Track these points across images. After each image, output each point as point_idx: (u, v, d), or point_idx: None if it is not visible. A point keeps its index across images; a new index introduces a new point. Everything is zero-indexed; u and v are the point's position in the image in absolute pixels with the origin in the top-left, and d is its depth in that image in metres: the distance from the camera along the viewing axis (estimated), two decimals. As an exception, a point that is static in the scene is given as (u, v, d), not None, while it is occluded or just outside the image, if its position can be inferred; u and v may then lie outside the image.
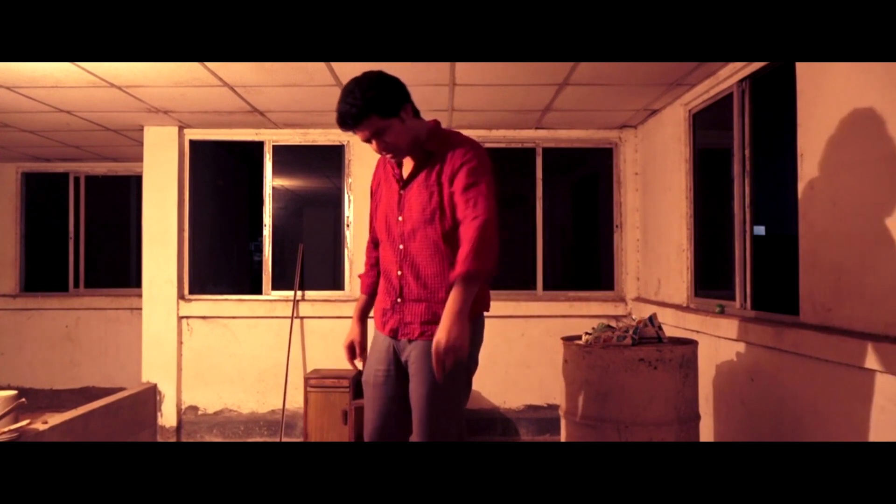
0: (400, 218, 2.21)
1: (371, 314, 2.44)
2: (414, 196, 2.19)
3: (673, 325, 3.89)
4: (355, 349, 2.41)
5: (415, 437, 2.24)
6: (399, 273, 2.22)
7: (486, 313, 2.43)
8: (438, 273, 2.19)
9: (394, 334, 2.26)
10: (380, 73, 2.10)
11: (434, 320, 2.14)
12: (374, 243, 2.45)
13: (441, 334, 1.93)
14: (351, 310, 2.58)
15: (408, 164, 2.24)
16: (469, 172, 2.09)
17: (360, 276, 2.51)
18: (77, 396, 6.10)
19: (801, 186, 2.73)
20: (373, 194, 2.39)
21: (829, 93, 2.54)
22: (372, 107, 2.02)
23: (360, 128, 2.06)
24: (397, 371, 2.27)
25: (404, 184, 2.22)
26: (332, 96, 4.06)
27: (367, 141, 2.11)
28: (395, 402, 2.27)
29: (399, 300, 2.23)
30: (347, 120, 2.04)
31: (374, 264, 2.46)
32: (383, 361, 2.28)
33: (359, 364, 2.43)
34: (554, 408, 4.85)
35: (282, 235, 5.40)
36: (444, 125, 5.14)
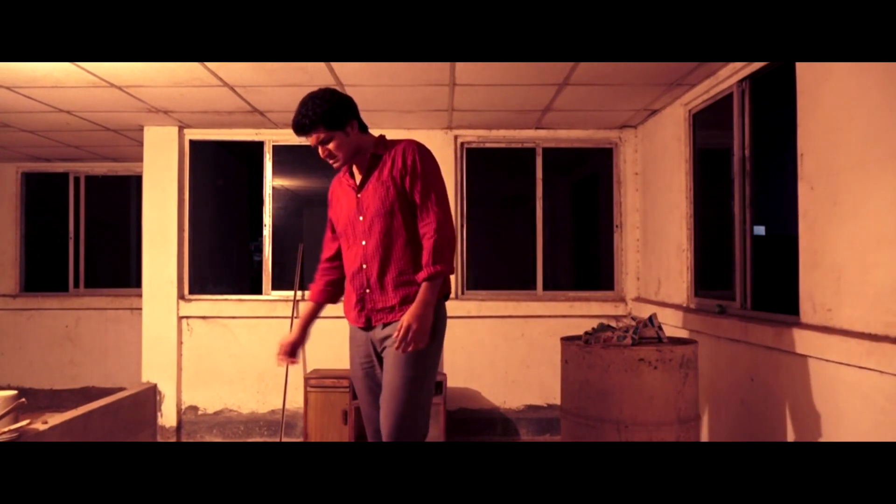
0: (360, 217, 2.41)
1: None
2: (370, 195, 2.40)
3: (673, 325, 3.89)
4: (290, 350, 2.55)
5: (384, 413, 2.33)
6: (363, 266, 2.40)
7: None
8: (401, 256, 2.38)
9: (368, 324, 2.42)
10: (333, 91, 2.39)
11: (404, 301, 2.35)
12: (328, 258, 2.61)
13: (410, 318, 2.24)
14: None
15: (359, 174, 2.46)
16: (420, 175, 2.37)
17: (310, 286, 2.71)
18: (77, 396, 6.10)
19: (801, 186, 2.73)
20: (330, 215, 2.57)
21: (829, 93, 2.54)
22: (320, 119, 2.30)
23: (309, 135, 2.34)
24: (378, 360, 2.44)
25: (360, 188, 2.42)
26: (332, 96, 4.08)
27: (315, 147, 2.37)
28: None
29: (367, 290, 2.40)
30: (299, 128, 2.33)
31: (325, 275, 2.62)
32: (364, 354, 2.46)
33: (282, 365, 2.62)
34: (554, 408, 4.85)
35: (282, 235, 5.39)
36: (444, 125, 5.17)
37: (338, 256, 2.58)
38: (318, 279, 2.63)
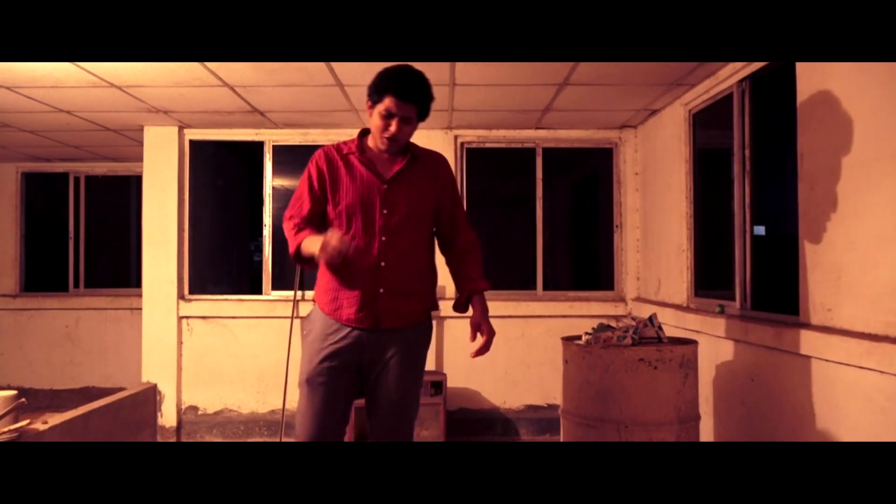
0: (385, 211, 2.26)
1: (323, 304, 2.32)
2: (403, 193, 2.29)
3: (673, 325, 3.89)
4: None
5: (390, 423, 2.30)
6: (383, 264, 2.24)
7: None
8: (429, 267, 2.40)
9: (375, 325, 2.25)
10: None
11: (428, 309, 2.39)
12: (308, 218, 2.31)
13: (491, 327, 2.48)
14: None
15: (385, 164, 2.31)
16: (456, 191, 2.45)
17: (301, 229, 2.28)
18: (77, 396, 6.10)
19: (801, 186, 2.73)
20: (315, 181, 2.30)
21: (829, 93, 2.54)
22: (426, 102, 2.24)
23: (406, 104, 2.17)
24: (355, 366, 2.28)
25: (389, 180, 2.29)
26: (332, 96, 4.08)
27: (392, 118, 2.18)
28: (347, 400, 2.32)
29: (381, 291, 2.24)
30: (409, 92, 2.17)
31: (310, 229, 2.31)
32: (343, 355, 2.26)
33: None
34: (554, 408, 4.85)
35: (282, 235, 5.37)
36: (444, 125, 5.16)
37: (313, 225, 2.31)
38: (307, 227, 2.29)
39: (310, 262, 2.22)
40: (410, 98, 2.17)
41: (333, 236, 2.04)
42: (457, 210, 2.43)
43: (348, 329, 2.26)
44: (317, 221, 2.31)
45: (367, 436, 2.48)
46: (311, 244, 2.13)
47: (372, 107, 2.22)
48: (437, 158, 2.42)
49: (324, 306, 2.30)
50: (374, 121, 2.23)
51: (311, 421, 2.24)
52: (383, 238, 2.25)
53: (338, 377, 2.26)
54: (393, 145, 2.25)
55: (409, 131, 2.24)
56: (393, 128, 2.19)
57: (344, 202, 2.27)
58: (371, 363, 2.28)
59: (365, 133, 2.38)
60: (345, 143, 2.37)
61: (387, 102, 2.16)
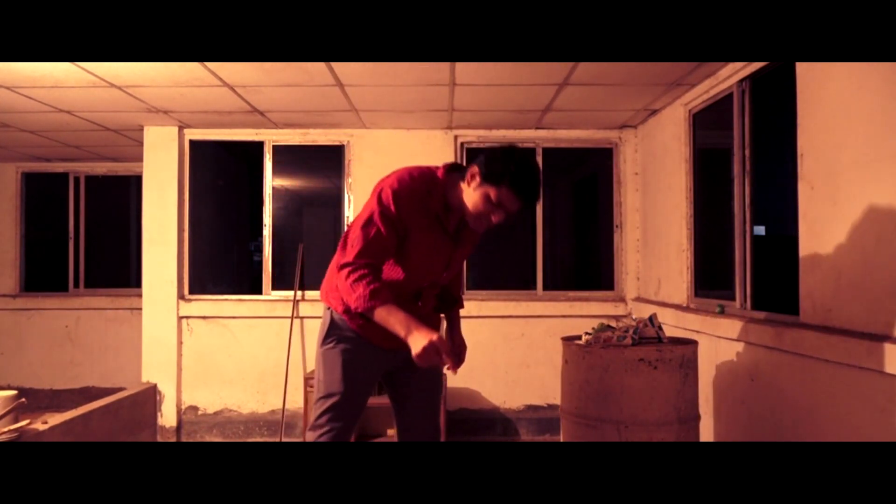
0: (445, 274, 2.28)
1: (354, 324, 2.23)
2: (461, 253, 2.32)
3: (673, 325, 3.89)
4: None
5: (427, 422, 2.41)
6: (420, 304, 2.27)
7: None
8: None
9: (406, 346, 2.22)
10: None
11: (439, 317, 2.50)
12: (379, 281, 2.10)
13: (463, 342, 2.45)
14: None
15: (453, 216, 2.21)
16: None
17: (377, 292, 2.02)
18: (77, 396, 6.10)
19: (801, 186, 2.73)
20: (394, 223, 2.08)
21: (829, 93, 2.54)
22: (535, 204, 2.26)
23: (520, 205, 2.07)
24: (381, 375, 2.38)
25: (454, 239, 2.23)
26: (332, 96, 4.08)
27: (499, 208, 2.06)
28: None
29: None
30: (534, 199, 2.09)
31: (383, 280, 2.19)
32: (376, 373, 2.35)
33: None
34: (554, 408, 4.85)
35: (282, 235, 5.39)
36: (444, 125, 5.13)
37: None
38: (382, 281, 2.09)
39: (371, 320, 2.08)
40: (527, 201, 2.06)
41: (439, 350, 1.91)
42: (459, 267, 2.47)
43: (379, 351, 2.26)
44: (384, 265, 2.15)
45: (367, 436, 2.52)
46: (398, 325, 1.97)
47: (481, 182, 2.04)
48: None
49: (354, 325, 2.22)
50: (475, 196, 2.06)
51: (340, 431, 2.21)
52: (426, 284, 2.27)
53: (369, 388, 2.32)
54: (482, 228, 2.17)
55: (503, 221, 2.12)
56: (496, 219, 2.08)
57: (414, 259, 2.15)
58: (403, 372, 2.34)
59: (454, 169, 2.17)
60: (429, 184, 2.12)
61: (503, 193, 2.01)
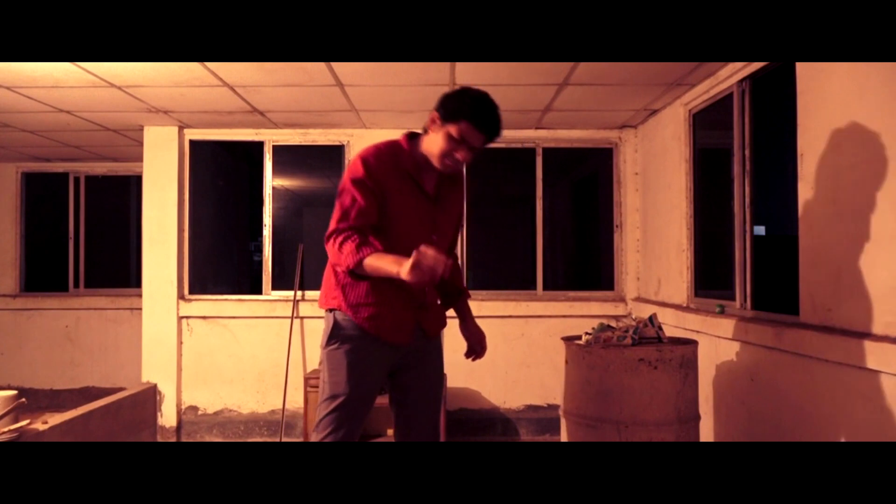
0: (434, 237, 2.21)
1: (360, 319, 2.18)
2: (445, 215, 2.29)
3: (673, 325, 3.89)
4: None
5: (429, 418, 2.37)
6: (425, 288, 2.24)
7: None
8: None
9: (413, 336, 2.25)
10: None
11: (445, 312, 2.48)
12: (367, 233, 2.10)
13: (482, 333, 2.53)
14: None
15: (424, 175, 2.21)
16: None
17: (363, 245, 2.04)
18: (77, 396, 6.10)
19: (801, 186, 2.73)
20: (367, 184, 2.10)
21: (829, 93, 2.54)
22: (497, 137, 2.19)
23: (483, 139, 2.12)
24: (387, 373, 2.31)
25: (435, 200, 2.23)
26: (332, 96, 4.08)
27: (462, 144, 2.09)
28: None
29: (422, 309, 2.29)
30: (494, 129, 2.13)
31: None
32: (382, 371, 2.26)
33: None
34: (554, 408, 4.85)
35: (282, 235, 5.40)
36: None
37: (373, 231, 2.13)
38: (370, 241, 2.06)
39: (368, 277, 2.09)
40: (488, 131, 2.10)
41: (429, 255, 1.84)
42: (460, 227, 2.47)
43: (387, 344, 2.21)
44: (377, 229, 2.12)
45: (367, 436, 2.50)
46: (388, 264, 1.94)
47: (441, 124, 2.09)
48: (462, 176, 2.40)
49: (361, 321, 2.17)
50: (437, 139, 2.11)
51: (346, 433, 2.18)
52: (441, 267, 2.21)
53: (375, 388, 2.26)
54: (450, 169, 2.17)
55: (470, 160, 2.16)
56: (461, 155, 2.11)
57: (398, 225, 2.15)
58: (409, 368, 2.31)
59: (414, 136, 2.23)
60: (394, 148, 2.19)
61: (462, 127, 2.06)
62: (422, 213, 2.20)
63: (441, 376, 2.46)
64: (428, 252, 1.85)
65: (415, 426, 2.35)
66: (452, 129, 2.07)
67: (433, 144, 2.13)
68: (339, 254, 2.05)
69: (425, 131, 2.18)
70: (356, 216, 2.08)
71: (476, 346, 2.49)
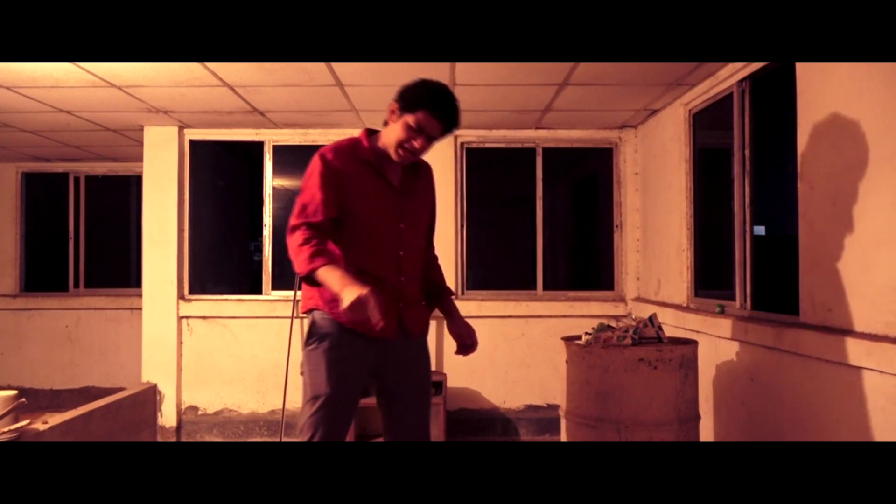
0: (402, 226, 2.21)
1: (335, 313, 2.11)
2: (415, 205, 2.28)
3: (673, 325, 3.89)
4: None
5: (417, 423, 2.32)
6: (402, 279, 2.22)
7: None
8: (421, 274, 2.38)
9: (395, 334, 2.21)
10: None
11: (429, 313, 2.41)
12: (325, 229, 2.11)
13: (473, 331, 2.39)
14: None
15: (390, 169, 2.22)
16: (435, 205, 2.43)
17: (318, 254, 2.01)
18: (77, 396, 6.10)
19: (801, 186, 2.73)
20: (326, 176, 2.13)
21: (829, 93, 2.54)
22: (456, 128, 2.19)
23: (440, 129, 2.14)
24: (370, 373, 2.26)
25: (402, 191, 2.24)
26: (332, 96, 4.08)
27: (419, 133, 2.11)
28: (357, 406, 2.31)
29: (400, 304, 2.22)
30: (452, 120, 2.15)
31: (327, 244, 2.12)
32: (363, 369, 2.22)
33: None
34: (554, 408, 4.85)
35: (282, 235, 5.37)
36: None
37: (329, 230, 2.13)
38: (326, 245, 2.07)
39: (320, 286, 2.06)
40: (445, 120, 2.12)
41: (370, 306, 1.86)
42: (434, 220, 2.46)
43: (365, 338, 2.16)
44: (332, 233, 2.13)
45: (367, 436, 2.48)
46: (335, 282, 1.93)
47: (399, 114, 2.12)
48: (430, 168, 2.41)
49: (339, 316, 2.09)
50: (395, 128, 2.13)
51: (329, 433, 2.16)
52: (401, 253, 2.21)
53: (356, 387, 2.22)
54: (406, 158, 2.17)
55: (427, 150, 2.18)
56: (417, 144, 2.12)
57: (363, 212, 2.15)
58: (392, 369, 2.26)
59: (372, 133, 2.27)
60: (352, 142, 2.23)
61: (420, 117, 2.08)
62: (387, 203, 2.20)
63: (428, 382, 2.36)
64: (370, 302, 1.86)
65: (402, 428, 2.30)
66: (410, 119, 2.09)
67: (391, 134, 2.15)
68: (295, 255, 2.04)
69: (386, 124, 2.20)
70: (314, 211, 2.09)
71: (467, 341, 2.38)
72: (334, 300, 2.03)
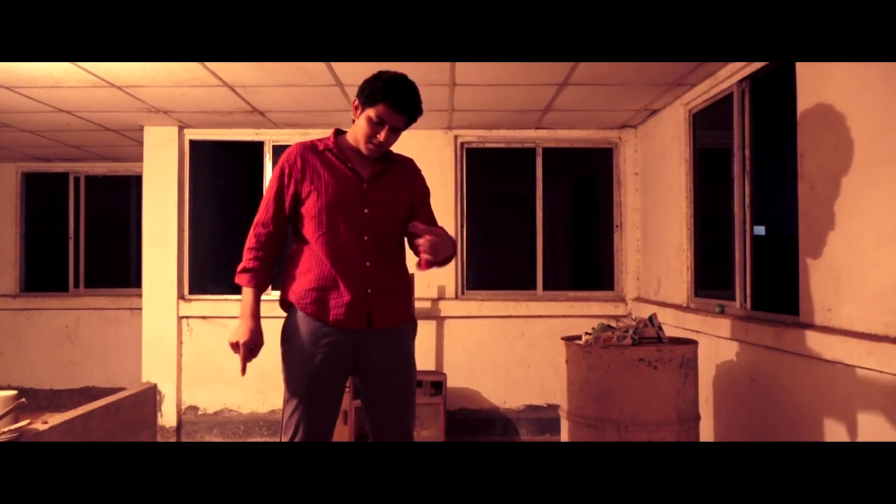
0: (366, 210, 2.23)
1: (304, 305, 2.27)
2: (383, 192, 2.28)
3: (673, 325, 3.89)
4: (255, 351, 2.37)
5: (395, 422, 2.27)
6: (368, 264, 2.22)
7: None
8: (405, 269, 2.37)
9: (367, 324, 2.21)
10: None
11: (410, 308, 2.38)
12: (270, 235, 2.33)
13: (443, 232, 2.23)
14: None
15: (362, 164, 2.28)
16: (429, 200, 2.46)
17: (248, 270, 2.36)
18: (77, 396, 6.10)
19: (801, 186, 2.73)
20: (282, 177, 2.25)
21: (829, 93, 2.54)
22: (419, 115, 2.24)
23: (402, 118, 2.18)
24: (347, 369, 2.26)
25: (368, 180, 2.26)
26: (332, 96, 4.08)
27: (382, 125, 2.16)
28: (339, 405, 2.31)
29: (369, 291, 2.21)
30: (412, 112, 2.19)
31: (271, 258, 2.38)
32: (340, 361, 2.21)
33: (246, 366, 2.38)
34: (554, 408, 4.85)
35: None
36: (444, 125, 5.15)
37: (279, 237, 2.33)
38: (261, 264, 2.35)
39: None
40: (405, 110, 2.15)
41: (240, 348, 2.38)
42: (431, 211, 2.45)
43: (338, 330, 2.19)
44: (282, 229, 2.32)
45: (367, 436, 2.46)
46: (241, 306, 2.42)
47: (361, 109, 2.18)
48: (411, 164, 2.43)
49: (305, 307, 2.23)
50: (360, 124, 2.19)
51: (308, 432, 2.18)
52: (366, 238, 2.22)
53: (332, 383, 2.22)
54: (375, 151, 2.23)
55: (394, 140, 2.23)
56: (382, 136, 2.17)
57: (324, 199, 2.20)
58: (367, 364, 2.24)
59: (341, 133, 2.33)
60: (318, 140, 2.31)
61: (380, 109, 2.13)
62: (348, 188, 2.23)
63: (405, 376, 2.30)
64: (240, 350, 2.40)
65: (379, 433, 2.29)
66: (371, 113, 2.14)
67: (357, 130, 2.21)
68: (244, 256, 2.36)
69: (354, 123, 2.25)
70: (264, 210, 2.31)
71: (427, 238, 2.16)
72: (305, 292, 2.27)
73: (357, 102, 2.19)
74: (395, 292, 2.29)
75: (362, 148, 2.22)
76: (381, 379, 2.26)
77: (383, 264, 2.26)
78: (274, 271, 2.40)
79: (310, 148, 2.27)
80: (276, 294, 4.87)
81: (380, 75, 2.17)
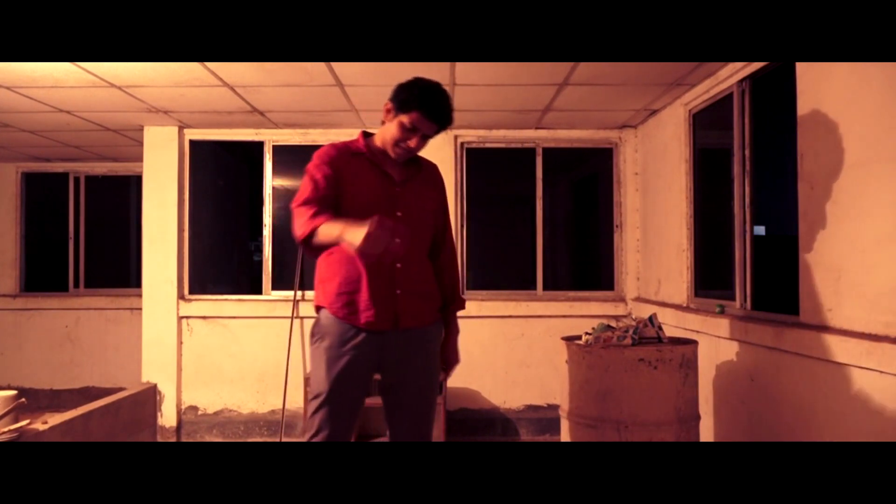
0: (399, 213, 2.23)
1: (335, 308, 2.20)
2: (414, 196, 2.30)
3: (673, 325, 3.89)
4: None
5: (417, 422, 2.30)
6: (398, 266, 2.21)
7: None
8: (427, 267, 2.37)
9: (394, 326, 2.21)
10: None
11: (438, 309, 2.39)
12: (321, 199, 2.18)
13: (455, 355, 2.44)
14: None
15: (392, 167, 2.29)
16: (447, 200, 2.50)
17: (317, 215, 2.12)
18: (77, 396, 6.10)
19: (801, 186, 2.73)
20: (323, 168, 2.21)
21: (829, 93, 2.54)
22: (449, 125, 2.25)
23: (434, 127, 2.19)
24: (372, 370, 2.27)
25: (401, 182, 2.28)
26: (332, 96, 4.08)
27: (414, 132, 2.18)
28: (362, 405, 2.31)
29: (398, 292, 2.22)
30: (444, 121, 2.20)
31: (328, 211, 2.17)
32: (363, 361, 2.20)
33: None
34: (554, 408, 4.85)
35: (282, 235, 5.38)
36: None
37: (332, 202, 2.21)
38: (325, 214, 2.13)
39: (320, 250, 2.17)
40: (439, 120, 2.17)
41: (380, 224, 1.84)
42: (447, 219, 2.48)
43: (366, 333, 2.19)
44: (334, 208, 2.19)
45: (367, 436, 2.47)
46: (338, 231, 1.97)
47: (394, 114, 2.18)
48: (434, 167, 2.46)
49: (337, 311, 2.20)
50: (391, 128, 2.20)
51: (332, 432, 2.17)
52: (397, 240, 2.18)
53: (357, 384, 2.22)
54: (403, 156, 2.25)
55: (423, 146, 2.25)
56: (413, 143, 2.19)
57: (359, 200, 2.19)
58: (391, 365, 2.25)
59: (369, 135, 2.33)
60: (350, 142, 2.32)
61: (414, 117, 2.14)
62: (382, 190, 2.25)
63: (430, 377, 2.33)
64: (386, 222, 1.86)
65: (399, 434, 2.30)
66: (405, 119, 2.15)
67: (387, 133, 2.23)
68: (295, 224, 2.15)
69: (383, 123, 2.26)
70: (314, 195, 2.18)
71: (447, 366, 2.44)
72: (337, 295, 2.18)
73: (390, 106, 2.20)
74: (423, 293, 2.31)
75: (389, 150, 2.24)
76: (403, 379, 2.27)
77: (414, 267, 2.27)
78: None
79: (343, 150, 2.28)
80: (280, 293, 4.83)
81: (416, 82, 2.18)
